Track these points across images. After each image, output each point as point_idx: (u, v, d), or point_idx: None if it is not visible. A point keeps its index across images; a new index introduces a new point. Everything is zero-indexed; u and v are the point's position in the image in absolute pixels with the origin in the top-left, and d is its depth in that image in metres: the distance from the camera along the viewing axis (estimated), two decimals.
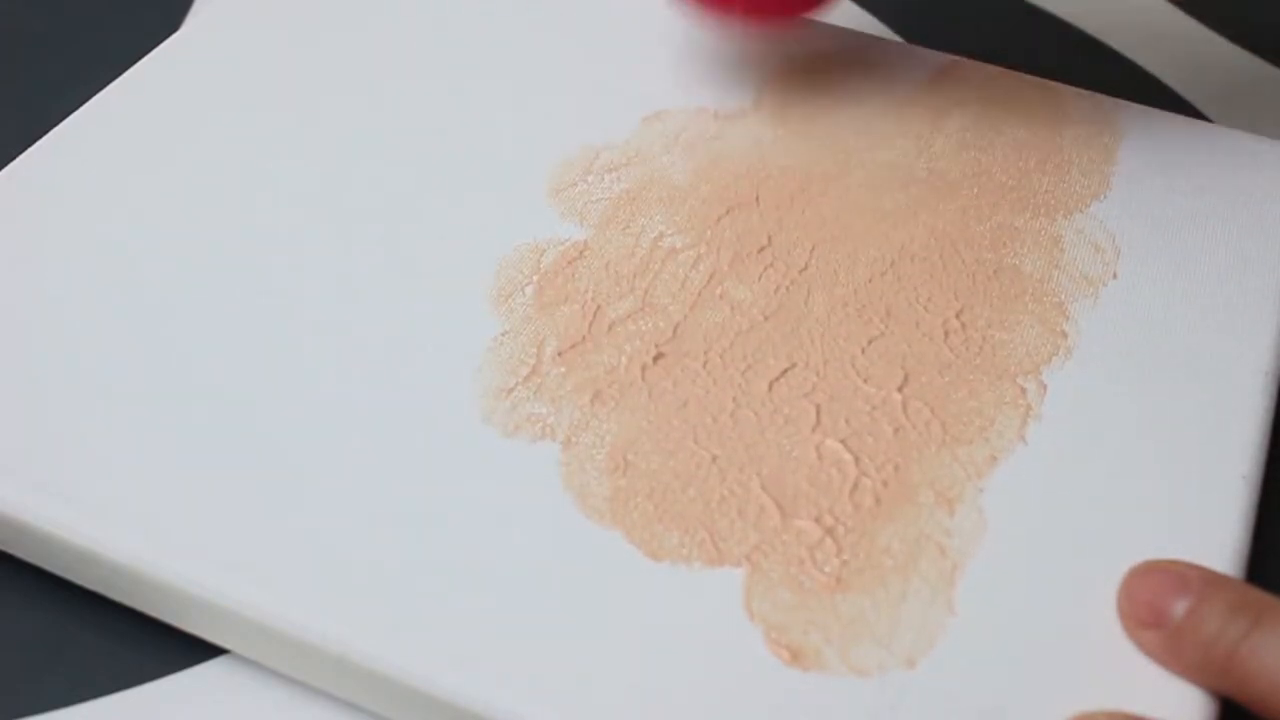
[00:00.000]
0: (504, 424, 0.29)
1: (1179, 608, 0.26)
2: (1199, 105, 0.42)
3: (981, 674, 0.26)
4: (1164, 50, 0.44)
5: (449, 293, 0.32)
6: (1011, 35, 0.45)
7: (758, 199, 0.35)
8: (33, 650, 0.29)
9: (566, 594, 0.27)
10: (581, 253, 0.33)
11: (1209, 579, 0.26)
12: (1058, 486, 0.29)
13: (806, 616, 0.26)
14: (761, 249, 0.34)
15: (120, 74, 0.37)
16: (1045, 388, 0.31)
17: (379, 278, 0.32)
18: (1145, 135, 0.37)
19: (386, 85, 0.38)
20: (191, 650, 0.28)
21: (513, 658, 0.26)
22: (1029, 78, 0.39)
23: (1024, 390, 0.31)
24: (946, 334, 0.32)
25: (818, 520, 0.28)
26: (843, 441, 0.29)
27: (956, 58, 0.39)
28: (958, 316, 0.32)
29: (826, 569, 0.27)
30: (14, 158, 0.35)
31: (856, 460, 0.29)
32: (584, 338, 0.31)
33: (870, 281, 0.33)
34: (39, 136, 0.35)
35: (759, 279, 0.33)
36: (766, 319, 0.32)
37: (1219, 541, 0.28)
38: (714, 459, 0.29)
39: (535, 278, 0.33)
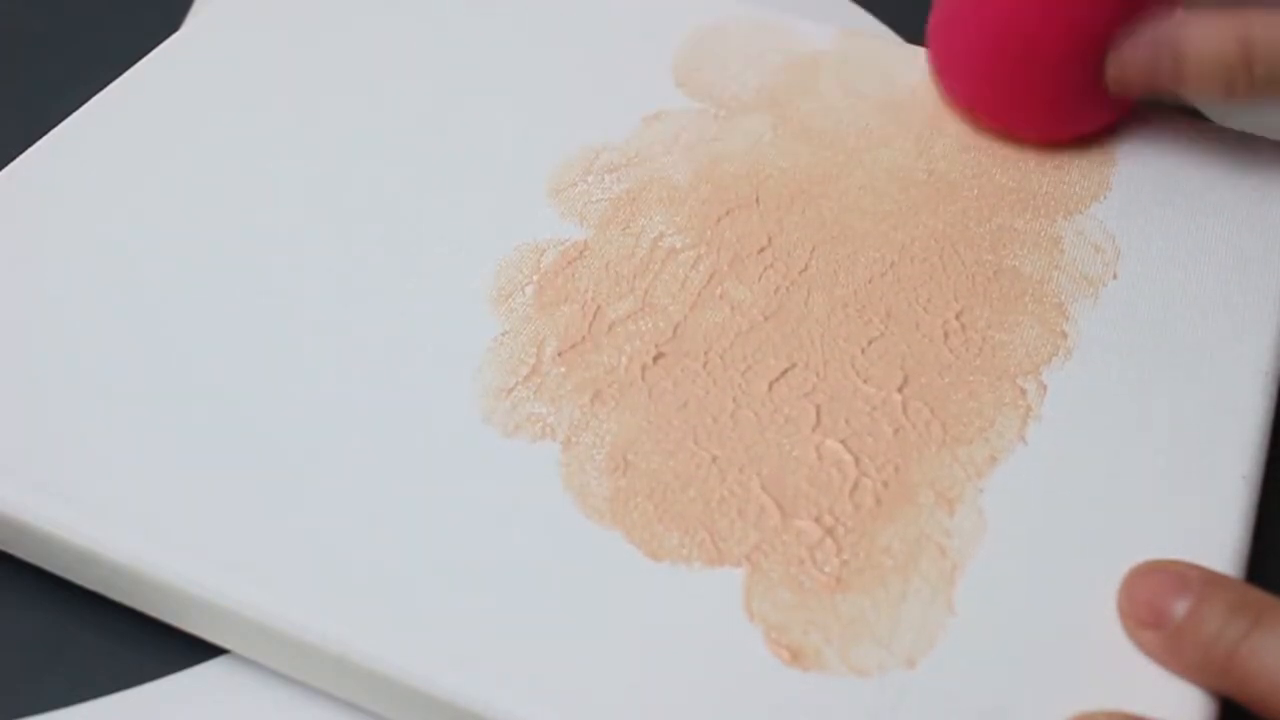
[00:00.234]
0: (504, 424, 0.29)
1: (1179, 608, 0.26)
2: (1199, 105, 0.42)
3: (981, 674, 0.26)
4: None
5: (449, 293, 0.32)
6: None
7: (758, 199, 0.35)
8: (33, 650, 0.29)
9: (566, 594, 0.27)
10: (581, 253, 0.33)
11: (1209, 579, 0.26)
12: (1058, 486, 0.29)
13: (806, 616, 0.26)
14: (761, 249, 0.34)
15: (120, 74, 0.37)
16: (1045, 388, 0.31)
17: (379, 278, 0.32)
18: (1145, 135, 0.37)
19: (386, 85, 0.38)
20: (191, 650, 0.28)
21: (513, 658, 0.26)
22: None
23: (1024, 390, 0.31)
24: (946, 335, 0.32)
25: (818, 520, 0.28)
26: (843, 442, 0.29)
27: None
28: (958, 317, 0.32)
29: (826, 569, 0.27)
30: (14, 158, 0.35)
31: (856, 460, 0.29)
32: (584, 338, 0.31)
33: (870, 282, 0.33)
34: (39, 136, 0.35)
35: (759, 279, 0.33)
36: (766, 319, 0.32)
37: (1219, 541, 0.28)
38: (714, 459, 0.29)
39: (535, 278, 0.33)
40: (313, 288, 0.32)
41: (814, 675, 0.26)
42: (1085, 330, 0.32)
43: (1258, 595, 0.26)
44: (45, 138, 0.35)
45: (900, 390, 0.31)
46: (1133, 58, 0.33)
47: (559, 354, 0.31)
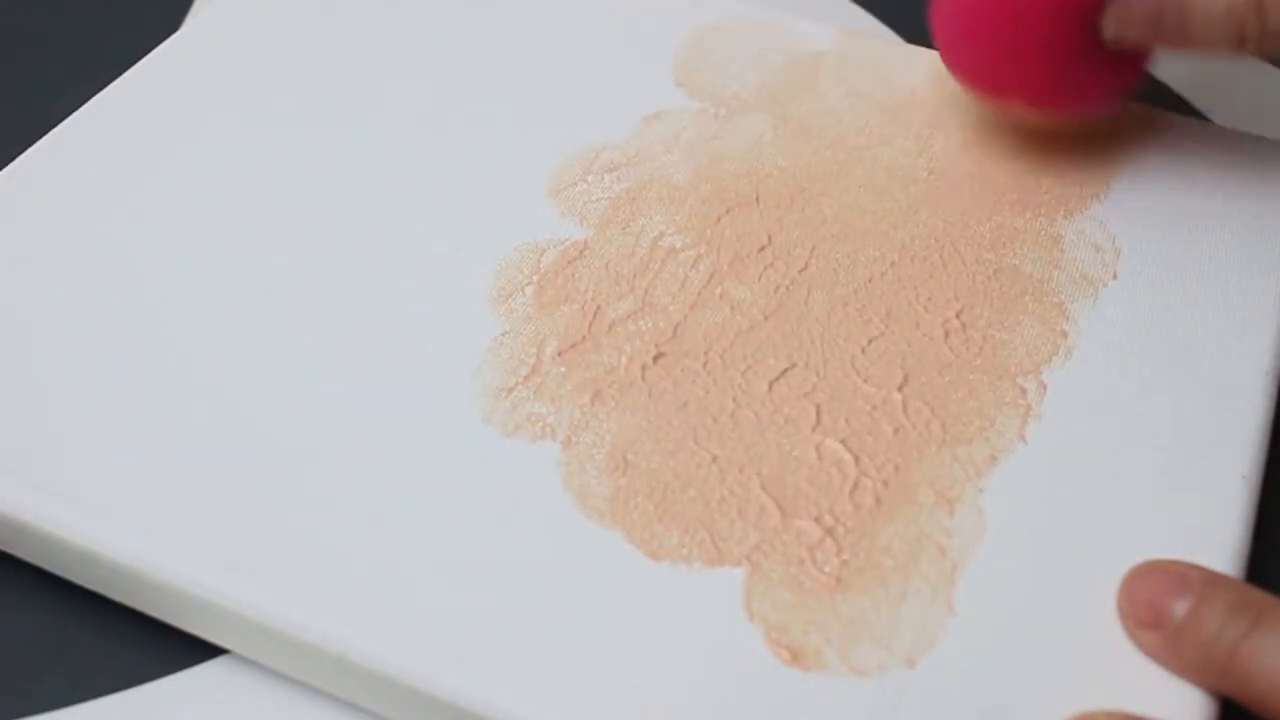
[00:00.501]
0: (504, 424, 0.29)
1: (1179, 608, 0.26)
2: (1199, 105, 0.42)
3: (982, 674, 0.26)
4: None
5: (449, 293, 0.32)
6: None
7: (758, 199, 0.35)
8: (33, 650, 0.29)
9: (566, 594, 0.27)
10: (581, 253, 0.33)
11: (1209, 579, 0.26)
12: (1058, 486, 0.29)
13: (806, 616, 0.26)
14: (761, 249, 0.34)
15: (120, 74, 0.37)
16: (1045, 388, 0.31)
17: (379, 278, 0.32)
18: (1145, 135, 0.37)
19: (386, 85, 0.38)
20: (191, 650, 0.28)
21: (513, 658, 0.26)
22: None
23: (1024, 390, 0.31)
24: (946, 334, 0.32)
25: (818, 520, 0.28)
26: (843, 441, 0.29)
27: None
28: (958, 316, 0.32)
29: (826, 569, 0.27)
30: (14, 158, 0.35)
31: (856, 460, 0.29)
32: (584, 338, 0.31)
33: (870, 281, 0.33)
34: (39, 136, 0.35)
35: (759, 279, 0.33)
36: (766, 319, 0.32)
37: (1219, 541, 0.28)
38: (714, 459, 0.29)
39: (535, 278, 0.33)
40: (313, 288, 0.32)
41: (814, 675, 0.26)
42: (1085, 330, 0.32)
43: (1258, 595, 0.26)
44: (45, 138, 0.35)
45: (900, 389, 0.31)
46: (1134, 8, 0.31)
47: (559, 354, 0.31)
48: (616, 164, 0.36)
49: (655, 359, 0.31)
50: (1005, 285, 0.33)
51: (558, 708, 0.25)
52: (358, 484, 0.28)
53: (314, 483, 0.28)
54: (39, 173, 0.35)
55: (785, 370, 0.31)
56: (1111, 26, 0.32)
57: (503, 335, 0.31)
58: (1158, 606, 0.26)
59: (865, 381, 0.31)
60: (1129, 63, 0.34)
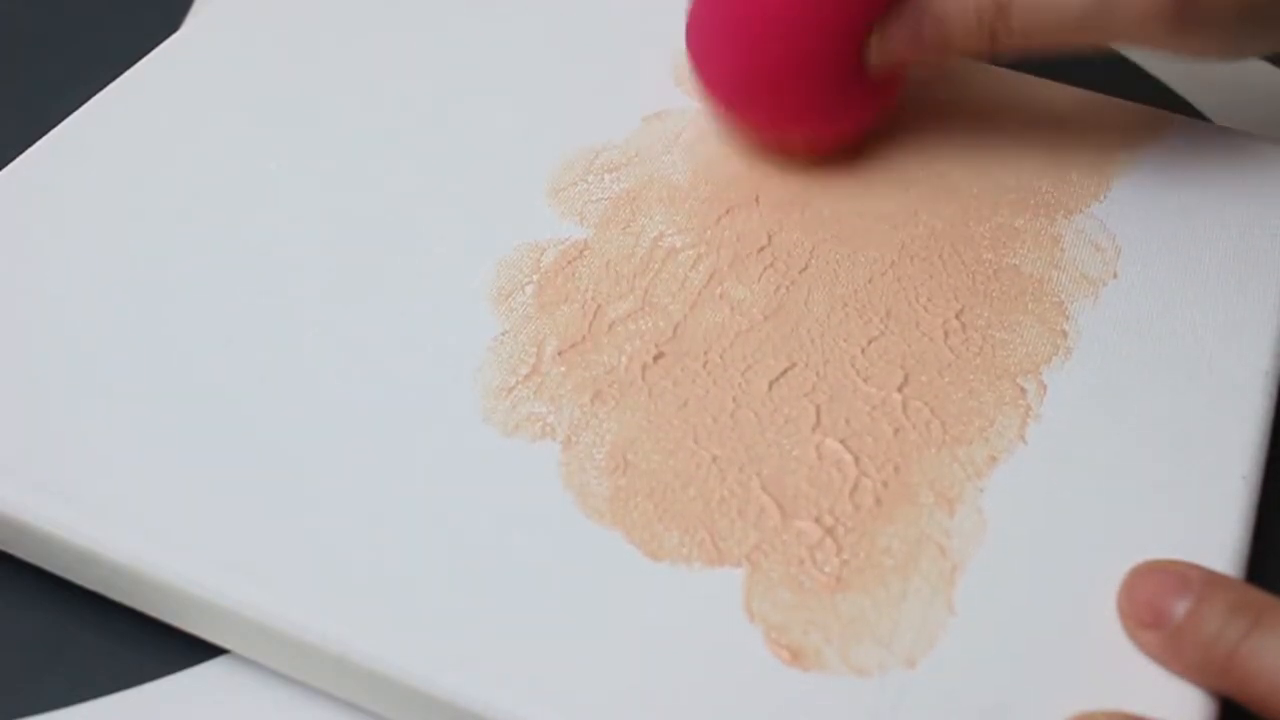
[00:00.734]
0: (504, 424, 0.29)
1: (1179, 608, 0.26)
2: (1199, 105, 0.42)
3: (982, 674, 0.26)
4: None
5: (449, 293, 0.32)
6: None
7: (758, 199, 0.35)
8: (33, 650, 0.29)
9: (566, 594, 0.27)
10: (581, 252, 0.33)
11: (1209, 579, 0.26)
12: (1058, 486, 0.29)
13: (806, 616, 0.26)
14: (761, 249, 0.34)
15: (120, 74, 0.37)
16: (1045, 388, 0.31)
17: (379, 278, 0.32)
18: (1145, 135, 0.37)
19: (386, 85, 0.38)
20: (191, 650, 0.28)
21: (513, 658, 0.26)
22: (1029, 78, 0.39)
23: (1024, 390, 0.31)
24: (946, 334, 0.32)
25: (818, 520, 0.28)
26: (843, 441, 0.29)
27: None
28: (958, 316, 0.32)
29: (826, 569, 0.27)
30: (14, 158, 0.35)
31: (856, 460, 0.29)
32: (584, 337, 0.31)
33: (870, 281, 0.33)
34: (39, 136, 0.35)
35: (759, 279, 0.33)
36: (766, 319, 0.32)
37: (1219, 541, 0.28)
38: (714, 459, 0.29)
39: (535, 277, 0.33)
40: (313, 287, 0.32)
41: (814, 675, 0.26)
42: (1085, 330, 0.32)
43: (1258, 595, 0.26)
44: (45, 138, 0.35)
45: (900, 390, 0.31)
46: (895, 30, 0.33)
47: (559, 353, 0.31)
48: (616, 164, 0.36)
49: (655, 359, 0.31)
50: (1005, 285, 0.33)
51: (558, 708, 0.25)
52: (358, 484, 0.28)
53: (314, 483, 0.28)
54: (39, 173, 0.35)
55: (785, 370, 0.31)
56: (875, 54, 0.33)
57: (503, 335, 0.31)
58: (1158, 606, 0.26)
59: (865, 381, 0.31)
60: (887, 83, 0.34)
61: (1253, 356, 0.32)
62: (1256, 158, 0.37)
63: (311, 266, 0.33)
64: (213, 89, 0.37)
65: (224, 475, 0.28)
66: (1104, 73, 0.43)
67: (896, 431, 0.30)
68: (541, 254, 0.33)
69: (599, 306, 0.32)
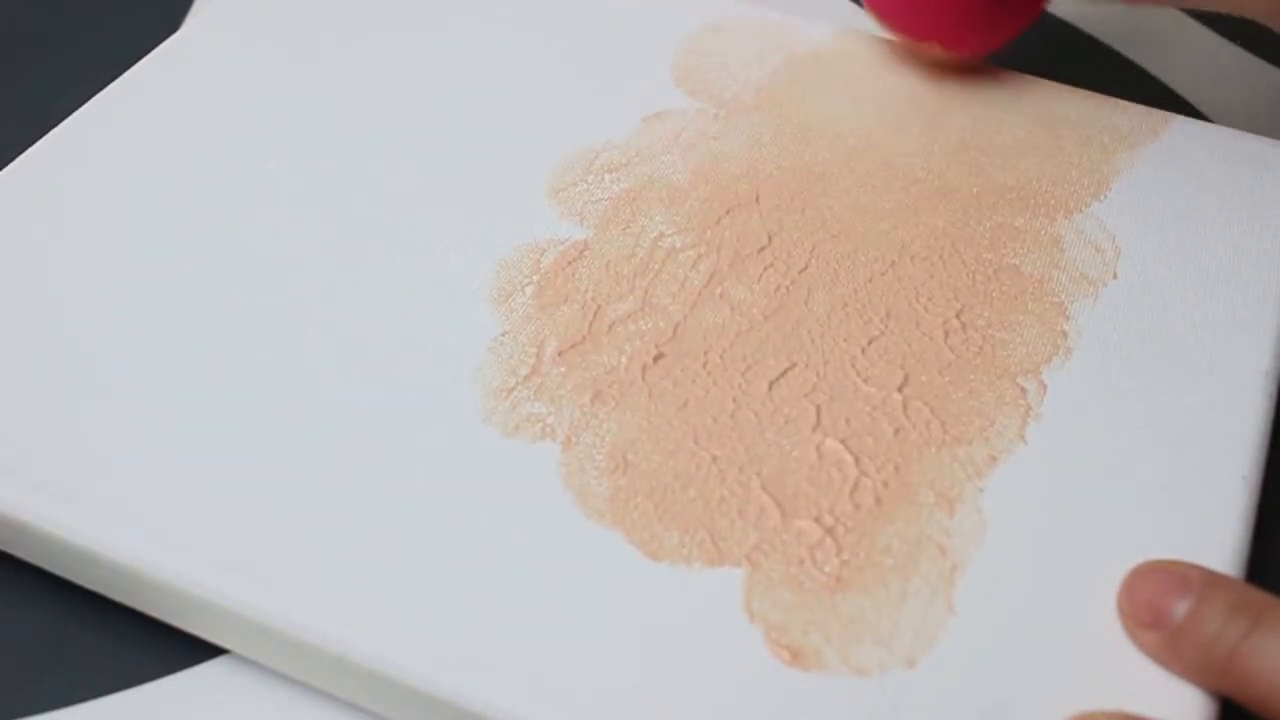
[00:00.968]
0: (504, 424, 0.29)
1: (1179, 608, 0.26)
2: (1199, 105, 0.42)
3: (982, 674, 0.26)
4: (1164, 50, 0.44)
5: (449, 293, 0.32)
6: None
7: (758, 199, 0.35)
8: (33, 650, 0.29)
9: (566, 594, 0.27)
10: (582, 253, 0.33)
11: (1209, 579, 0.26)
12: (1058, 486, 0.29)
13: (806, 616, 0.26)
14: (761, 249, 0.34)
15: (120, 74, 0.37)
16: (1045, 388, 0.31)
17: (379, 278, 0.32)
18: (1145, 135, 0.37)
19: (386, 85, 0.38)
20: (191, 650, 0.28)
21: (513, 658, 0.26)
22: (1029, 78, 0.39)
23: (1024, 390, 0.31)
24: (946, 334, 0.32)
25: (818, 520, 0.28)
26: (843, 441, 0.29)
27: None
28: (958, 316, 0.32)
29: (826, 569, 0.27)
30: (14, 158, 0.35)
31: (856, 460, 0.29)
32: (584, 338, 0.31)
33: (870, 281, 0.33)
34: (39, 136, 0.35)
35: (759, 279, 0.33)
36: (766, 319, 0.32)
37: (1219, 541, 0.28)
38: (714, 459, 0.29)
39: (535, 278, 0.33)
40: (313, 288, 0.32)
41: (814, 675, 0.26)
42: (1085, 330, 0.32)
43: (1258, 595, 0.26)
44: (45, 138, 0.35)
45: (900, 390, 0.31)
46: None
47: (559, 354, 0.31)
48: (617, 164, 0.36)
49: (655, 359, 0.31)
50: (1005, 285, 0.33)
51: (558, 708, 0.25)
52: (358, 484, 0.28)
53: (314, 483, 0.28)
54: (39, 173, 0.35)
55: (785, 370, 0.31)
56: None
57: (503, 335, 0.31)
58: (1158, 607, 0.26)
59: (865, 382, 0.31)
60: (1033, 2, 0.36)
61: (1253, 356, 0.32)
62: (1256, 158, 0.37)
63: (311, 266, 0.33)
64: (213, 89, 0.37)
65: (224, 475, 0.28)
66: (1104, 73, 0.43)
67: (896, 431, 0.30)
68: (541, 254, 0.33)
69: (599, 307, 0.32)
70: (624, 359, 0.31)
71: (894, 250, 0.34)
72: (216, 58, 0.38)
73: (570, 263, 0.33)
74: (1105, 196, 0.35)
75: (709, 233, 0.34)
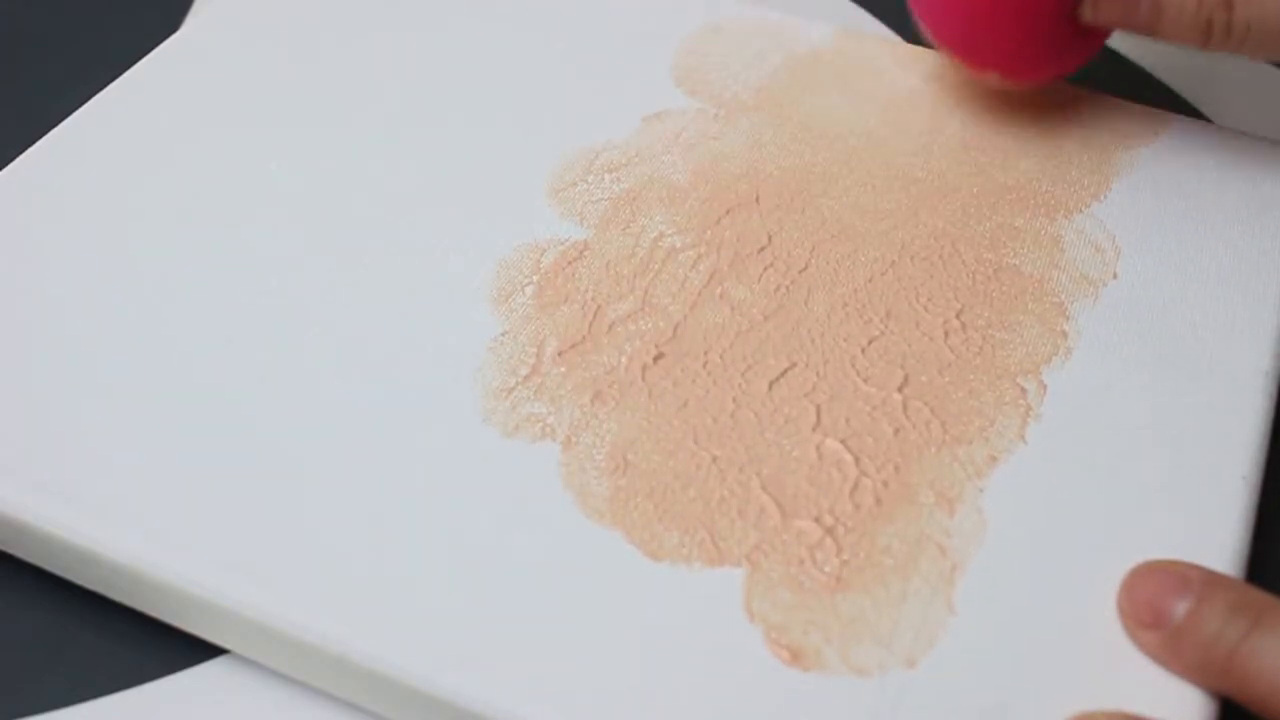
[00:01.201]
0: (504, 424, 0.29)
1: (1179, 608, 0.26)
2: (1199, 105, 0.42)
3: (982, 674, 0.26)
4: (1164, 50, 0.44)
5: (449, 293, 0.32)
6: None
7: (758, 199, 0.35)
8: (33, 650, 0.29)
9: (566, 594, 0.27)
10: (582, 253, 0.33)
11: (1209, 579, 0.26)
12: (1058, 486, 0.29)
13: (806, 616, 0.26)
14: (761, 249, 0.34)
15: (120, 74, 0.37)
16: (1045, 388, 0.31)
17: (379, 278, 0.32)
18: (1145, 135, 0.37)
19: (386, 85, 0.38)
20: (191, 650, 0.28)
21: (513, 658, 0.26)
22: None
23: (1024, 390, 0.31)
24: (946, 334, 0.32)
25: (818, 520, 0.28)
26: (843, 441, 0.29)
27: None
28: (958, 316, 0.32)
29: (826, 569, 0.27)
30: (14, 158, 0.35)
31: (856, 460, 0.29)
32: (584, 338, 0.31)
33: (870, 281, 0.33)
34: (39, 136, 0.35)
35: (759, 279, 0.33)
36: (766, 319, 0.32)
37: (1219, 541, 0.28)
38: (714, 459, 0.29)
39: (535, 278, 0.33)
40: (313, 288, 0.32)
41: (814, 675, 0.26)
42: (1085, 330, 0.32)
43: (1258, 595, 0.26)
44: (45, 138, 0.35)
45: (900, 390, 0.31)
46: (1108, 2, 0.33)
47: (559, 354, 0.31)
48: (616, 164, 0.36)
49: (655, 359, 0.31)
50: (1005, 285, 0.33)
51: (558, 708, 0.25)
52: (358, 484, 0.28)
53: (314, 483, 0.28)
54: (39, 173, 0.35)
55: (785, 370, 0.31)
56: (1088, 10, 0.34)
57: (503, 335, 0.31)
58: (1158, 607, 0.26)
59: (865, 382, 0.31)
60: (1094, 36, 0.35)
61: (1253, 356, 0.32)
62: (1256, 158, 0.37)
63: (311, 266, 0.33)
64: (213, 89, 0.37)
65: (224, 475, 0.28)
66: (1104, 73, 0.43)
67: (896, 431, 0.30)
68: (541, 254, 0.33)
69: (599, 307, 0.32)
70: (624, 359, 0.31)
71: (894, 250, 0.34)
72: (216, 58, 0.38)
73: (570, 263, 0.33)
74: (1105, 196, 0.35)
75: (709, 233, 0.34)
